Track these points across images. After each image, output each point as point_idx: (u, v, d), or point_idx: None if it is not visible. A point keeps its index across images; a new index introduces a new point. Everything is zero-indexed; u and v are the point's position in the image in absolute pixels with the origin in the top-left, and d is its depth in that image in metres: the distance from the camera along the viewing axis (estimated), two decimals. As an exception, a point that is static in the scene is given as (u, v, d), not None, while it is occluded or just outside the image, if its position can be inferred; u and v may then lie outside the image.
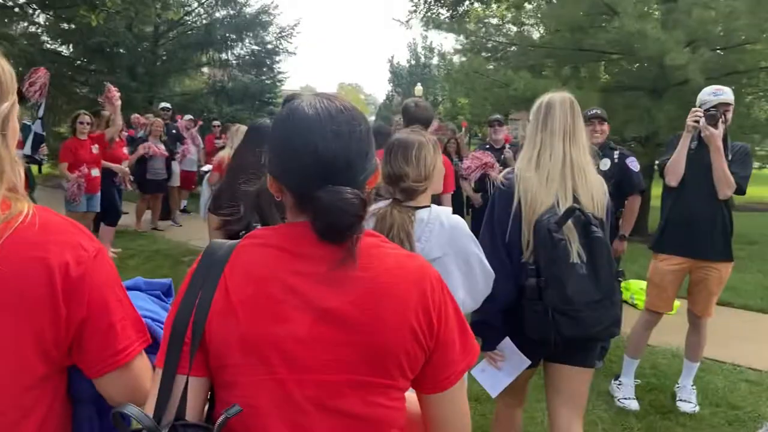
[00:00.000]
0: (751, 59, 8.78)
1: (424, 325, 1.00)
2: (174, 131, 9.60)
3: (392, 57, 57.48)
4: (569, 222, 2.08)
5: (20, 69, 12.01)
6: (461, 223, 2.10)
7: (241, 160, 2.73)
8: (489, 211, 2.32)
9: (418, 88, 37.24)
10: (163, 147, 8.57)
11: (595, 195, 2.20)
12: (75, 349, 1.02)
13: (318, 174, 0.96)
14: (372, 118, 78.71)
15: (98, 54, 12.29)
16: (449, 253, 2.03)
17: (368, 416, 1.00)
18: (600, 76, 12.61)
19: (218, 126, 11.43)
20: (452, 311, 1.07)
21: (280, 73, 16.61)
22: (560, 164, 2.17)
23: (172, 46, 14.21)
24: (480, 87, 14.31)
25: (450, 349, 1.05)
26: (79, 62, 13.31)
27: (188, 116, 10.32)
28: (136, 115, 9.50)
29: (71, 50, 13.03)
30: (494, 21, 25.81)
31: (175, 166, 9.35)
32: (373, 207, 2.09)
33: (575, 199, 2.14)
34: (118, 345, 1.05)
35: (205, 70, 15.66)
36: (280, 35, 15.25)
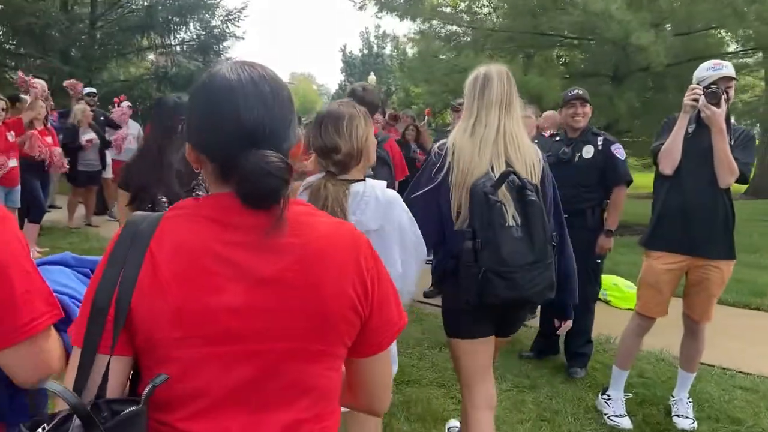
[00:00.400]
0: (715, 44, 8.62)
1: (360, 290, 1.01)
2: (102, 118, 8.78)
3: (344, 46, 56.69)
4: (504, 186, 2.12)
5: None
6: (397, 198, 2.09)
7: (149, 137, 2.72)
8: (417, 179, 2.35)
9: (371, 78, 36.66)
10: (94, 136, 7.83)
11: (528, 161, 2.24)
12: None
13: (241, 140, 0.93)
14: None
15: (28, 36, 11.18)
16: (385, 227, 2.03)
17: (309, 385, 1.00)
18: (560, 62, 12.38)
19: None
20: (385, 275, 1.07)
21: (228, 59, 15.75)
22: (494, 133, 2.21)
23: (111, 29, 13.18)
24: (439, 72, 13.93)
25: (385, 311, 1.07)
26: (7, 45, 12.15)
27: (126, 103, 9.51)
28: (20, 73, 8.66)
29: None
30: (447, 10, 25.69)
31: (109, 157, 8.58)
32: (306, 180, 2.11)
33: (508, 166, 2.17)
34: (22, 318, 1.02)
35: (151, 57, 14.67)
36: (226, 18, 14.38)
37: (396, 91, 53.77)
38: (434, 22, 30.47)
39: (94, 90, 9.33)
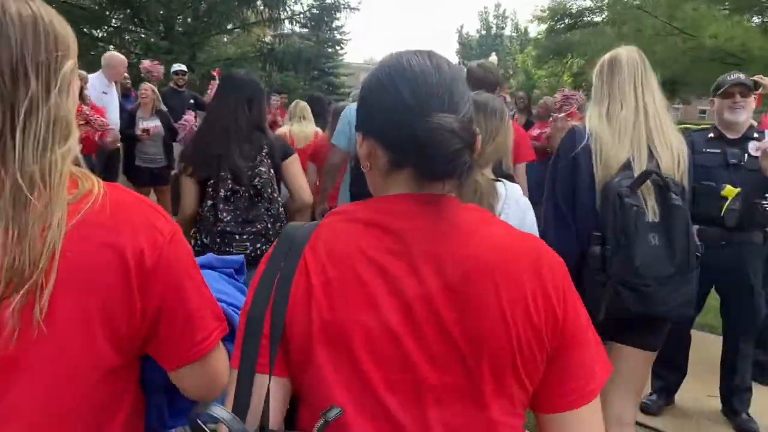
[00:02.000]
0: None
1: (544, 316, 0.83)
2: (192, 100, 7.03)
3: (461, 27, 53.93)
4: (643, 186, 1.86)
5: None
6: (530, 205, 1.95)
7: (218, 109, 2.66)
8: (551, 177, 2.09)
9: (493, 57, 33.50)
10: (155, 124, 6.03)
11: (675, 152, 1.94)
12: (150, 340, 0.93)
13: (416, 106, 0.83)
14: (436, 93, 76.34)
15: (124, 6, 9.81)
16: None
17: (472, 429, 0.83)
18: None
19: (279, 99, 8.99)
20: (579, 304, 0.88)
21: (341, 33, 13.90)
22: (633, 114, 1.94)
23: (213, 1, 11.68)
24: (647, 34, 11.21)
25: (582, 351, 0.86)
26: (97, 11, 10.84)
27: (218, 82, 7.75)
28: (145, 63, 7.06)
29: None
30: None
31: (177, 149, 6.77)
32: None
33: (651, 154, 1.91)
34: (197, 336, 0.95)
35: (256, 32, 13.06)
36: (341, -14, 12.50)
37: (514, 74, 50.62)
38: None
39: (183, 67, 7.62)
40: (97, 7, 10.45)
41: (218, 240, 2.52)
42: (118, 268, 0.87)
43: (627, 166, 1.89)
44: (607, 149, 1.93)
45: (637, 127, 1.93)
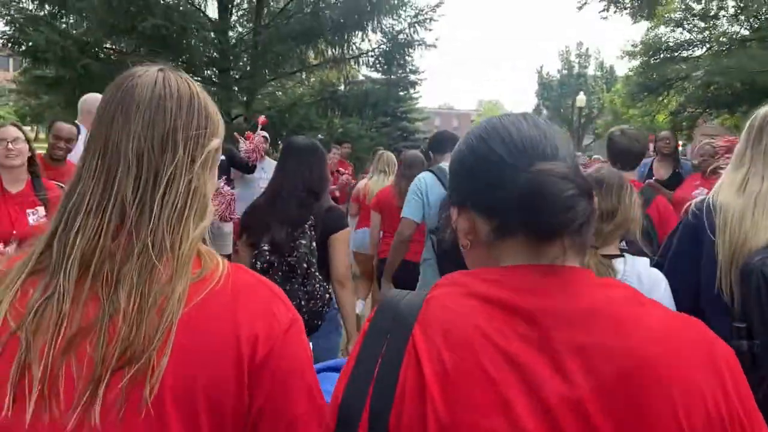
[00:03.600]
0: None
1: (730, 429, 0.67)
2: (223, 156, 5.47)
3: (541, 67, 51.67)
4: None
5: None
6: (661, 279, 1.82)
7: (274, 180, 2.66)
8: (674, 251, 1.93)
9: (581, 98, 31.34)
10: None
11: None
12: None
13: (515, 161, 0.77)
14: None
15: (157, 43, 8.48)
16: None
17: None
18: None
19: (339, 150, 7.65)
20: (758, 413, 0.72)
21: (415, 74, 12.19)
22: None
23: (269, 38, 10.28)
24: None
25: None
26: (134, 56, 9.58)
27: (261, 133, 6.15)
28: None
29: (120, 40, 9.17)
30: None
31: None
32: None
33: None
34: None
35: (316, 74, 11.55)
36: (415, 20, 10.79)
37: (597, 114, 47.86)
38: (661, 30, 24.97)
39: None
40: (137, 54, 9.19)
41: None
42: (231, 357, 0.83)
43: (766, 246, 1.61)
44: (735, 226, 1.68)
45: None
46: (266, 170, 6.62)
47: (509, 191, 0.74)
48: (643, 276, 1.78)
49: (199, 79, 8.85)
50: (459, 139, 2.96)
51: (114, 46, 9.16)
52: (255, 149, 5.76)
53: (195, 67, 9.04)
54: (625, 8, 18.22)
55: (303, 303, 2.49)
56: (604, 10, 19.65)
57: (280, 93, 11.52)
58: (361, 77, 12.02)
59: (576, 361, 0.68)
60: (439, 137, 3.80)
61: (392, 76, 11.21)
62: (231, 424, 0.83)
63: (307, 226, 2.52)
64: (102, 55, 8.90)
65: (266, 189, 2.75)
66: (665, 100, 28.66)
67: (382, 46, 10.89)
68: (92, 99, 4.55)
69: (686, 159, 6.43)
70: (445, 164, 3.54)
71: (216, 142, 0.95)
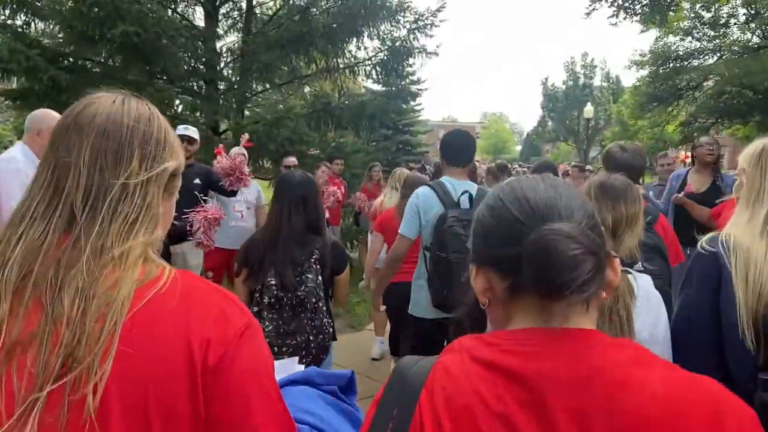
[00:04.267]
0: None
1: None
2: (197, 180, 4.85)
3: (546, 79, 51.02)
4: None
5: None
6: (663, 304, 1.75)
7: (270, 216, 2.69)
8: (687, 291, 1.74)
9: (588, 108, 30.57)
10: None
11: None
12: None
13: (527, 220, 0.80)
14: (518, 148, 73.19)
15: (130, 51, 7.70)
16: (654, 335, 1.65)
17: None
18: None
19: (327, 169, 7.03)
20: None
21: (414, 83, 11.40)
22: None
23: (256, 46, 9.51)
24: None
25: None
26: (106, 66, 8.53)
27: (237, 150, 5.40)
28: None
29: (90, 49, 8.15)
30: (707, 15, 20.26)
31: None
32: None
33: None
34: None
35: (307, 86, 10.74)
36: (415, 26, 10.02)
37: (604, 126, 47.04)
38: (670, 39, 24.37)
39: (189, 132, 5.24)
40: (109, 65, 8.44)
41: None
42: (182, 362, 0.82)
43: None
44: (758, 269, 1.52)
45: None
46: (243, 192, 5.83)
47: (518, 250, 0.76)
48: (651, 295, 1.71)
49: (179, 89, 8.09)
50: (471, 146, 3.28)
51: (86, 56, 8.39)
52: (236, 176, 4.94)
53: (175, 77, 8.26)
54: (636, 14, 17.51)
55: (311, 338, 2.49)
56: (613, 16, 18.93)
57: (269, 106, 10.69)
58: (362, 89, 11.22)
59: (572, 425, 0.69)
60: (450, 144, 3.46)
61: (393, 88, 10.41)
62: (187, 430, 0.81)
63: (312, 260, 2.54)
64: (72, 66, 8.13)
65: (265, 227, 2.74)
66: (674, 111, 27.97)
67: (379, 54, 10.14)
68: (39, 116, 3.80)
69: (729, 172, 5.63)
70: (447, 178, 3.37)
71: (173, 164, 0.96)
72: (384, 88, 10.45)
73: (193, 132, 5.04)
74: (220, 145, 5.46)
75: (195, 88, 9.02)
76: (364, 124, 9.20)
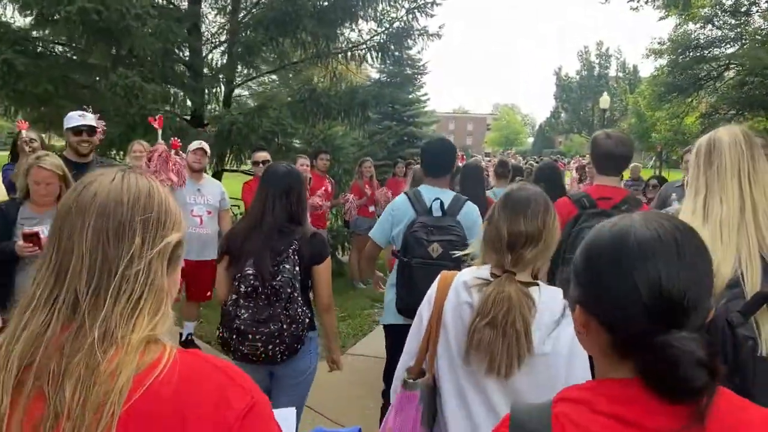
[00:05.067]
0: None
1: None
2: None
3: (559, 68, 49.78)
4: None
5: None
6: (567, 312, 1.67)
7: (253, 206, 2.74)
8: None
9: (605, 98, 29.42)
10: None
11: None
12: None
13: (657, 315, 0.77)
14: (530, 140, 71.85)
15: (91, 31, 6.85)
16: (556, 349, 1.63)
17: None
18: None
19: (306, 162, 6.48)
20: None
21: (413, 68, 10.45)
22: (737, 210, 1.63)
23: (240, 28, 8.61)
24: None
25: None
26: (68, 47, 7.73)
27: (160, 142, 4.57)
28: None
29: (48, 29, 7.34)
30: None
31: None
32: (471, 274, 1.80)
33: (766, 267, 1.56)
34: None
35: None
36: (414, 4, 9.07)
37: (620, 118, 45.72)
38: (690, 26, 23.49)
39: (86, 119, 4.27)
40: (72, 46, 7.63)
41: (234, 337, 2.53)
42: None
43: (734, 283, 1.53)
44: None
45: (743, 230, 1.58)
46: (204, 193, 5.01)
47: (638, 343, 0.75)
48: (556, 308, 1.69)
49: (151, 77, 7.25)
50: (448, 157, 3.40)
51: (49, 39, 7.58)
52: (177, 173, 4.25)
53: (146, 62, 7.42)
54: (657, -1, 16.46)
55: (285, 327, 2.52)
56: (633, 0, 17.85)
57: (257, 95, 9.76)
58: (359, 77, 10.30)
59: None
60: (428, 155, 3.51)
61: (389, 79, 9.48)
62: None
63: (290, 250, 2.58)
64: (32, 51, 7.33)
65: (247, 216, 2.83)
66: (694, 102, 26.85)
67: (375, 37, 9.24)
68: None
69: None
70: (424, 186, 3.40)
71: (176, 236, 0.96)
72: (384, 76, 9.51)
73: (90, 120, 4.12)
74: (172, 140, 4.65)
75: (171, 75, 8.16)
76: (356, 113, 8.31)
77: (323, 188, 6.83)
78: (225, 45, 9.14)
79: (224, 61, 9.07)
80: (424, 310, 1.91)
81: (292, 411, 1.38)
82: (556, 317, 1.68)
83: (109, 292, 0.86)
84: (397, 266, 3.23)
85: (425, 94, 20.89)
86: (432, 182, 3.39)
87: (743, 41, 24.50)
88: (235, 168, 9.01)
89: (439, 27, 9.66)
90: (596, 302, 0.83)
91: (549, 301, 1.71)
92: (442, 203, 3.12)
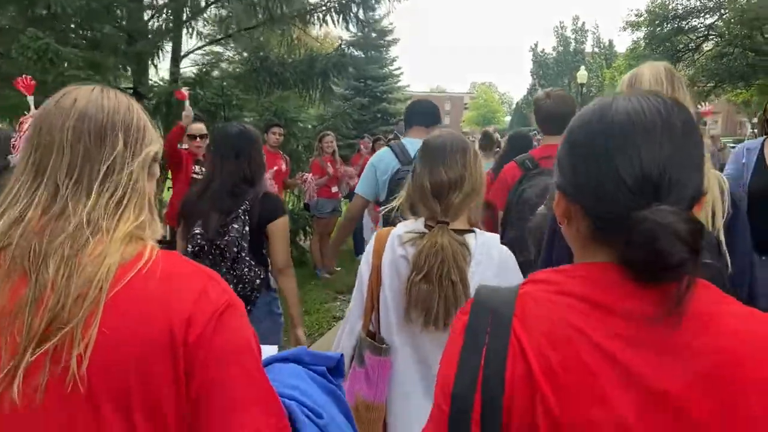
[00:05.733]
0: None
1: None
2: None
3: (535, 44, 49.07)
4: None
5: None
6: (511, 259, 1.78)
7: (206, 168, 2.93)
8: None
9: (582, 73, 28.58)
10: None
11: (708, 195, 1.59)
12: (193, 430, 0.85)
13: (637, 192, 0.75)
14: (507, 119, 71.60)
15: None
16: None
17: None
18: None
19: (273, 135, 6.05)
20: None
21: (385, 41, 9.49)
22: None
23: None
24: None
25: None
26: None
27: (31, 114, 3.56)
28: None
29: None
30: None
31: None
32: (404, 228, 1.81)
33: None
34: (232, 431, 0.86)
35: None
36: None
37: (596, 93, 45.28)
38: None
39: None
40: None
41: None
42: (163, 339, 0.82)
43: None
44: None
45: None
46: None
47: (617, 223, 0.74)
48: (494, 254, 1.73)
49: (76, 37, 6.24)
50: (434, 110, 3.47)
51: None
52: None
53: (67, 25, 6.41)
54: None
55: (231, 287, 2.04)
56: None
57: (205, 65, 8.74)
58: (329, 47, 9.31)
59: (671, 359, 0.70)
60: (413, 108, 3.50)
61: (351, 46, 8.53)
62: (172, 414, 0.82)
63: (241, 210, 2.54)
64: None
65: (203, 178, 2.80)
66: (673, 74, 26.18)
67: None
68: None
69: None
70: (407, 138, 3.34)
71: (155, 149, 0.98)
72: (345, 44, 8.54)
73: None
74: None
75: (103, 40, 7.14)
76: (316, 84, 7.39)
77: (275, 167, 5.96)
78: (168, 9, 8.11)
79: (168, 27, 8.07)
80: (364, 269, 1.91)
81: (273, 348, 1.35)
82: (495, 258, 1.70)
83: (93, 187, 0.87)
84: (382, 220, 3.25)
85: (398, 68, 19.95)
86: (414, 133, 3.32)
87: (722, 11, 24.01)
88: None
89: (391, 24, 8.76)
90: (577, 188, 0.81)
91: (486, 246, 1.71)
92: None
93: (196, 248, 2.51)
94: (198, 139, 4.77)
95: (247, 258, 2.55)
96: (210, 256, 2.50)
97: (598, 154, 0.77)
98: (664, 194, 0.73)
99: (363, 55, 18.15)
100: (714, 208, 1.59)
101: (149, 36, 7.74)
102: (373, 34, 12.76)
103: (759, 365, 0.69)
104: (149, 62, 7.62)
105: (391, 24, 18.27)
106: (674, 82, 1.72)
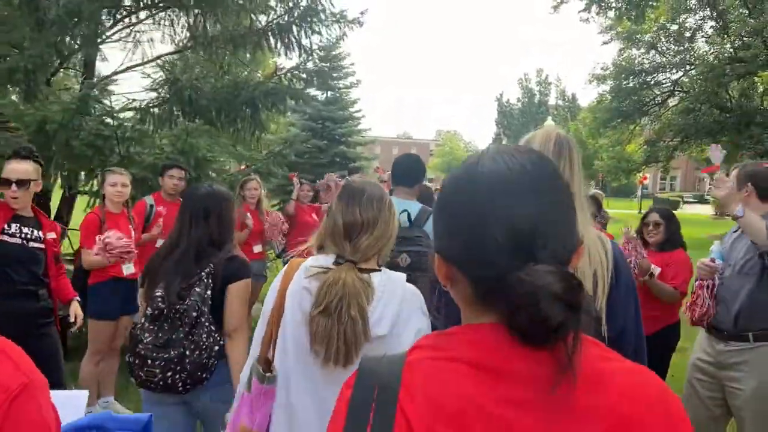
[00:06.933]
0: None
1: None
2: None
3: (500, 95, 49.18)
4: None
5: None
6: (418, 296, 1.78)
7: (173, 229, 2.67)
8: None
9: (549, 122, 27.83)
10: None
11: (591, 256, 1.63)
12: None
13: (511, 252, 0.72)
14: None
15: None
16: (395, 332, 1.68)
17: None
18: None
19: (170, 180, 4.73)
20: None
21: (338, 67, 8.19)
22: None
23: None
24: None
25: None
26: None
27: None
28: None
29: None
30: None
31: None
32: (312, 264, 1.80)
33: None
34: None
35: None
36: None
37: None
38: (633, 51, 23.26)
39: None
40: None
41: (137, 362, 2.40)
42: None
43: None
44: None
45: None
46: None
47: (494, 285, 0.71)
48: (398, 289, 1.73)
49: None
50: (417, 168, 3.40)
51: None
52: None
53: None
54: (610, 8, 15.15)
55: (187, 353, 2.39)
56: (585, 10, 16.51)
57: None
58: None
59: (567, 422, 0.69)
60: (398, 166, 3.47)
61: (291, 75, 7.15)
62: None
63: (204, 273, 2.47)
64: None
65: (168, 238, 2.69)
66: (637, 128, 25.86)
67: (277, 19, 6.94)
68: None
69: None
70: (394, 197, 2.90)
71: None
72: (285, 73, 7.17)
73: None
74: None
75: None
76: (241, 115, 5.95)
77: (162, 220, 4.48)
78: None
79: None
80: (269, 296, 1.89)
81: (84, 393, 1.16)
82: (398, 296, 1.70)
83: None
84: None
85: (359, 110, 18.76)
86: (400, 193, 3.28)
87: (687, 67, 23.82)
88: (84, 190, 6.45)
89: (361, 13, 7.50)
90: (452, 250, 0.78)
91: (390, 284, 1.73)
92: (409, 214, 3.08)
93: (156, 311, 2.41)
94: (14, 186, 3.18)
95: (207, 323, 2.44)
96: (169, 320, 2.41)
97: (469, 217, 0.75)
98: (539, 251, 0.71)
99: (321, 94, 16.97)
100: (596, 272, 1.56)
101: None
102: (334, 74, 11.58)
103: (652, 427, 0.69)
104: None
105: (352, 65, 17.20)
106: (561, 151, 1.65)
